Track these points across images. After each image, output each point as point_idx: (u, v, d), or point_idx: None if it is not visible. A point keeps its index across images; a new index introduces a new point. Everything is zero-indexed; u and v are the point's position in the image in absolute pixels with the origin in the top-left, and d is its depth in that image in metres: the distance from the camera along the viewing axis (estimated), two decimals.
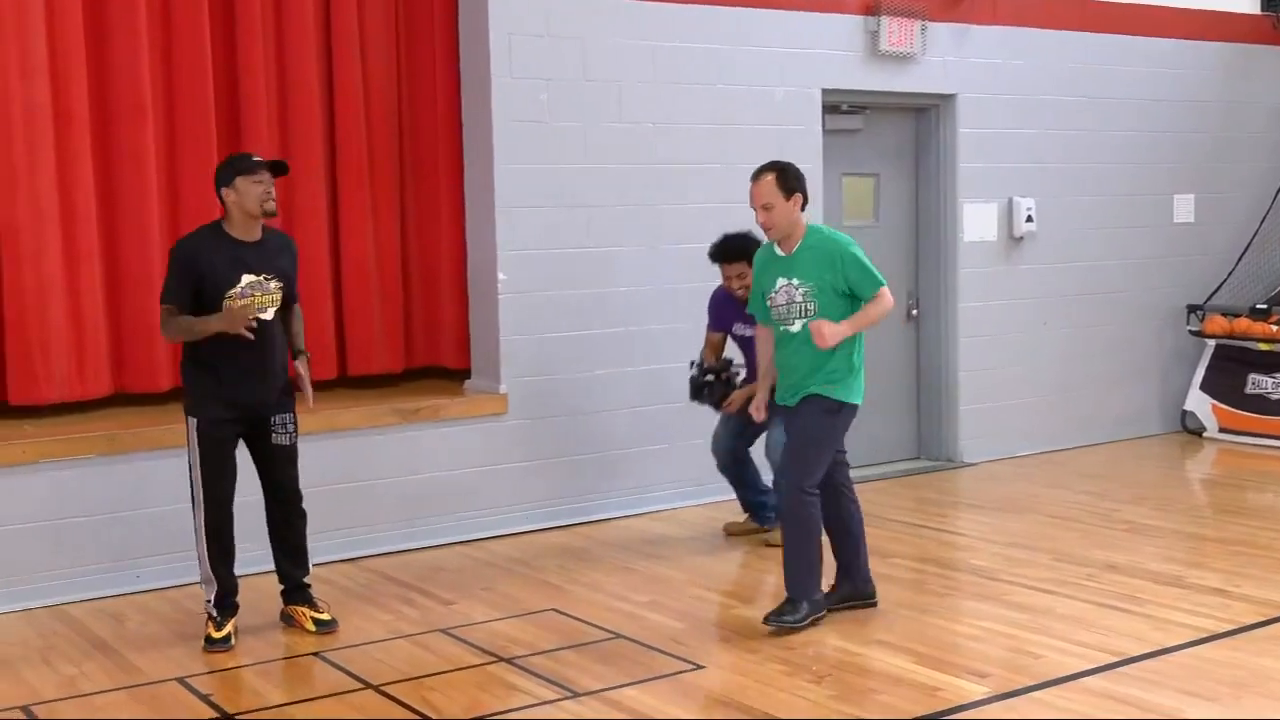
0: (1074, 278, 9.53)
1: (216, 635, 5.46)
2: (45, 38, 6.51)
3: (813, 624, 5.57)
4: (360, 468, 6.93)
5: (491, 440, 7.33)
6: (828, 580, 5.75)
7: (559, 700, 4.83)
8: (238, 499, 5.58)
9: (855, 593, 5.85)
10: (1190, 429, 10.03)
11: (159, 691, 5.02)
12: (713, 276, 6.93)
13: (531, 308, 7.39)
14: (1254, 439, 9.58)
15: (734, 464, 7.05)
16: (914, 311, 9.13)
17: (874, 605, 5.83)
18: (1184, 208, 10.08)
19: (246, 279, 5.39)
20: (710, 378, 6.82)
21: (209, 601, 5.53)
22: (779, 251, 5.66)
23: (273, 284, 5.47)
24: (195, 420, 5.47)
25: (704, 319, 7.06)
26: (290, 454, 5.67)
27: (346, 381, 7.48)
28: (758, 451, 6.97)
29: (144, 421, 6.53)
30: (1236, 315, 9.85)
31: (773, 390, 5.90)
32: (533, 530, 7.35)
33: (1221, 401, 9.85)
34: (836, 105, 8.56)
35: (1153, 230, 9.92)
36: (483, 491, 7.28)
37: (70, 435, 6.28)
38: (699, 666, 5.16)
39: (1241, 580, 6.18)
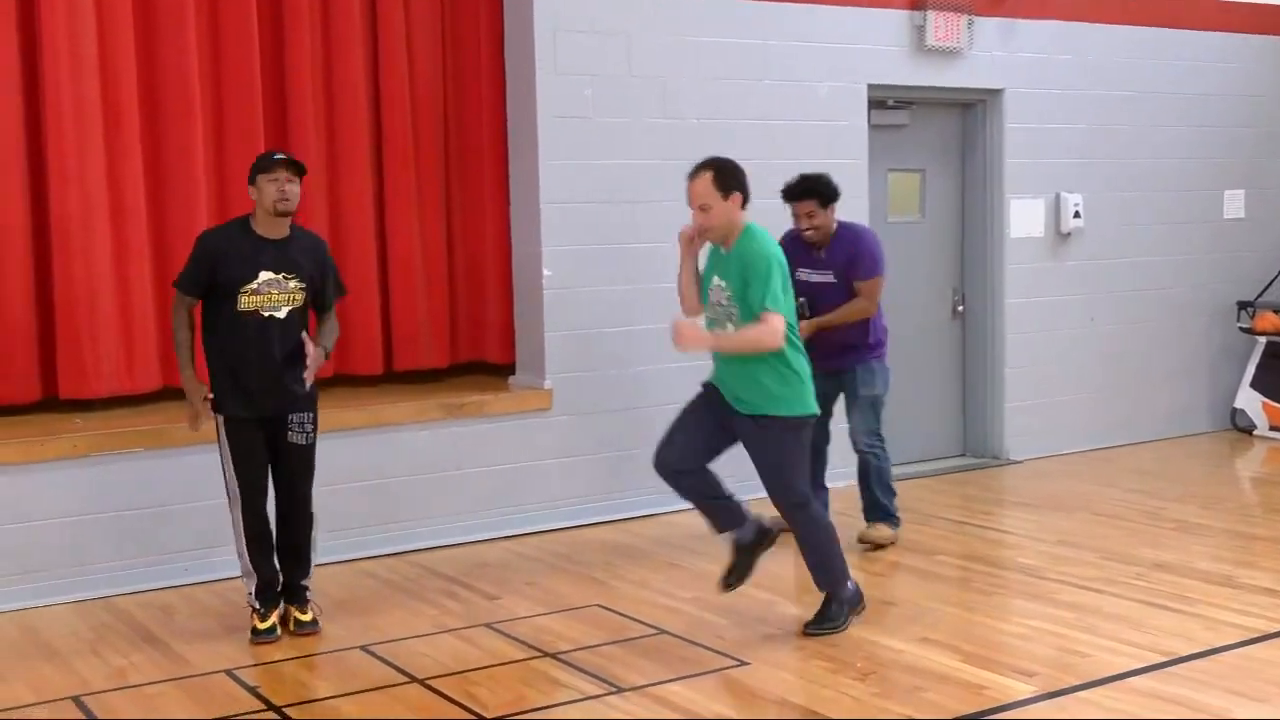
0: (1122, 274, 9.44)
1: (261, 626, 5.51)
2: (96, 36, 6.58)
3: (855, 618, 5.56)
4: (406, 462, 6.97)
5: (536, 435, 7.35)
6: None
7: (603, 695, 4.84)
8: None
9: (754, 534, 5.58)
10: (1240, 427, 9.92)
11: (207, 683, 5.06)
12: None
13: (576, 303, 7.40)
14: None
15: (819, 430, 6.79)
16: (959, 308, 9.08)
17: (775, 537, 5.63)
18: (1234, 203, 9.97)
19: (264, 276, 5.39)
20: None
21: (250, 594, 5.58)
22: (722, 250, 5.45)
23: (292, 283, 5.45)
24: (222, 417, 5.52)
25: None
26: (304, 454, 5.63)
27: (392, 376, 7.52)
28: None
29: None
30: None
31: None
32: (577, 526, 7.36)
33: (1272, 399, 9.73)
34: (882, 100, 8.52)
35: (1202, 226, 9.82)
36: (527, 486, 7.30)
37: (119, 429, 6.34)
38: (743, 663, 5.15)
39: None
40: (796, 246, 6.63)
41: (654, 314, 7.61)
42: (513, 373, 7.65)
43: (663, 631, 5.54)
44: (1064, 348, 9.23)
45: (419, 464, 7.01)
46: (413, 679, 5.04)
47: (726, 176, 5.34)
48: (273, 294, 5.41)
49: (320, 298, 5.64)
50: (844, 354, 6.71)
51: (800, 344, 5.46)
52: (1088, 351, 9.35)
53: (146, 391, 6.84)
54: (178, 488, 6.35)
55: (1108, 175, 9.30)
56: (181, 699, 4.92)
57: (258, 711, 4.78)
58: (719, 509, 5.58)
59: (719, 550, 6.76)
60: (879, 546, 6.81)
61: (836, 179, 6.72)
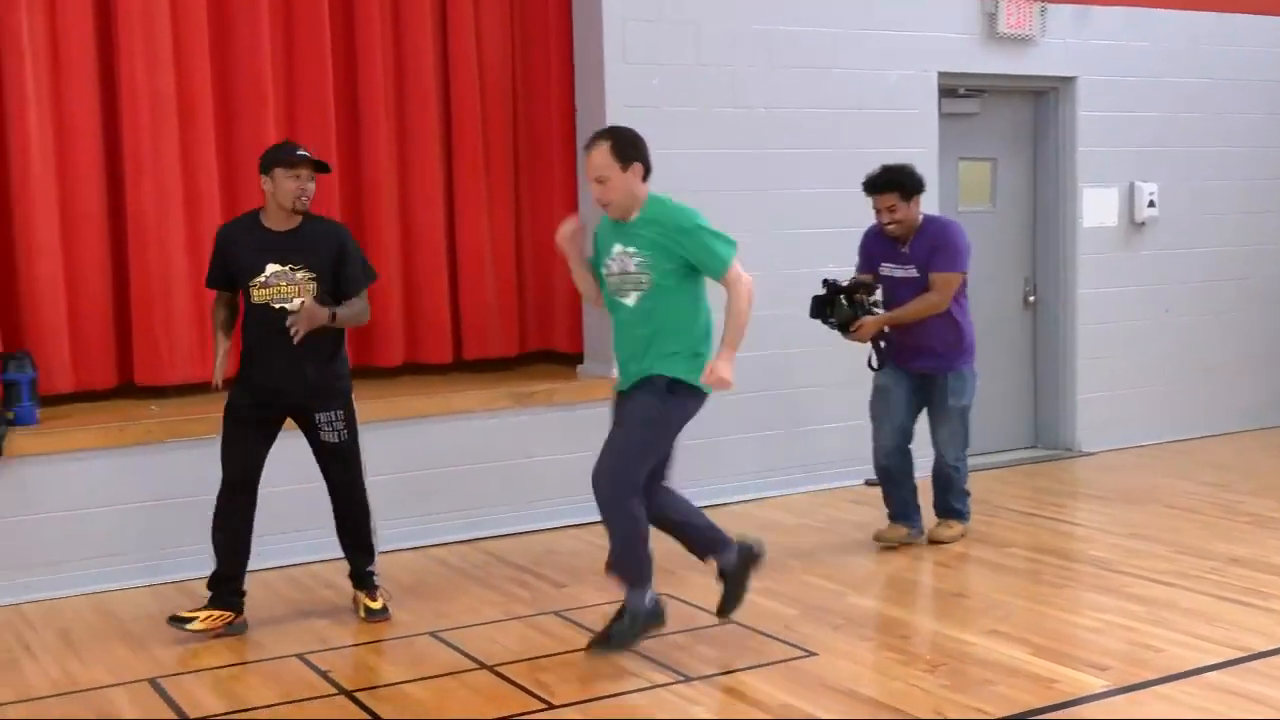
0: (1197, 264, 9.31)
1: (184, 614, 5.46)
2: (170, 29, 6.68)
3: (645, 633, 5.14)
4: (475, 450, 7.01)
5: (604, 424, 7.28)
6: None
7: (672, 684, 4.85)
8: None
9: (738, 558, 5.32)
10: None
11: (280, 667, 5.12)
12: (821, 255, 6.87)
13: None
14: None
15: (900, 457, 6.62)
16: (1031, 298, 8.99)
17: (761, 554, 5.40)
18: None
19: (271, 268, 5.36)
20: (841, 297, 6.37)
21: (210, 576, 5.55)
22: (609, 220, 5.18)
23: (300, 274, 5.38)
24: (226, 403, 5.58)
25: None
26: (342, 452, 5.57)
27: (461, 365, 7.57)
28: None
29: None
30: None
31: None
32: None
33: None
34: (953, 89, 8.45)
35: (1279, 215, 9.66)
36: None
37: (194, 416, 6.41)
38: (812, 653, 5.14)
39: None
40: (879, 241, 6.54)
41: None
42: (580, 361, 7.67)
43: (730, 621, 5.53)
44: (1138, 338, 9.11)
45: (488, 452, 7.05)
46: (482, 665, 5.08)
47: (625, 146, 5.03)
48: (281, 286, 5.36)
49: (343, 285, 5.50)
50: (934, 356, 6.49)
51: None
52: (1162, 342, 9.22)
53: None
54: None
55: (1182, 163, 9.16)
56: (254, 682, 4.99)
57: (328, 695, 4.84)
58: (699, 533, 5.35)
59: (787, 541, 6.77)
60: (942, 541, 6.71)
61: None
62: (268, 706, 4.74)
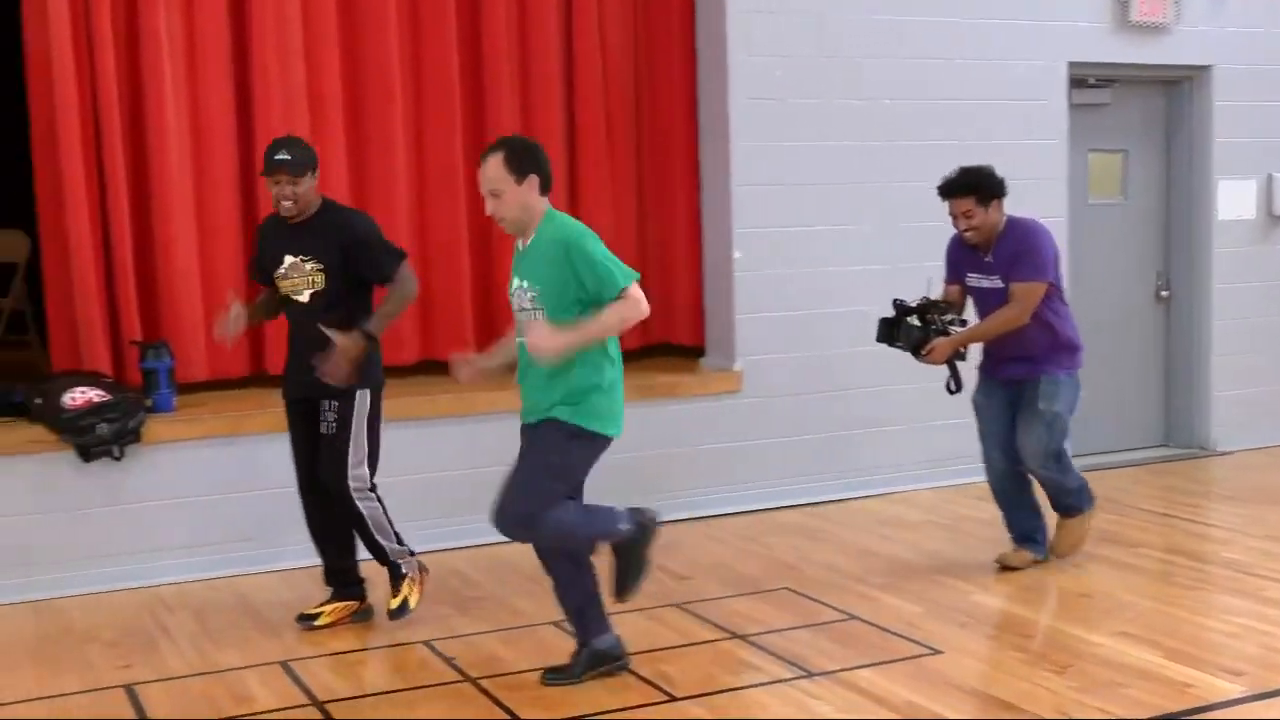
0: None
1: (310, 610, 5.54)
2: (301, 26, 6.82)
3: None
4: None
5: (725, 418, 7.35)
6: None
7: (794, 680, 4.83)
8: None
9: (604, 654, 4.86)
10: None
11: (405, 653, 5.21)
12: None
13: (766, 286, 7.38)
14: None
15: (1013, 479, 6.15)
16: (1164, 293, 8.77)
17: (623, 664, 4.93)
18: None
19: (288, 260, 5.37)
20: (910, 318, 5.92)
21: None
22: (520, 246, 4.70)
23: (309, 265, 5.32)
24: None
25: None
26: (329, 444, 5.35)
27: None
28: None
29: (400, 392, 6.76)
30: None
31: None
32: (766, 509, 7.34)
33: None
34: (1083, 79, 8.27)
35: None
36: (716, 469, 7.31)
37: None
38: (936, 651, 5.08)
39: None
40: (963, 250, 6.05)
41: (844, 297, 7.56)
42: (702, 354, 7.67)
43: (853, 617, 5.49)
44: (1275, 334, 8.84)
45: (610, 445, 7.06)
46: None
47: (520, 157, 4.57)
48: (294, 278, 5.36)
49: (367, 273, 5.36)
50: (1025, 362, 5.94)
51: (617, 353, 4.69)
52: None
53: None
54: (384, 461, 6.49)
55: None
56: (381, 667, 5.09)
57: (454, 682, 4.90)
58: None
59: (913, 538, 6.70)
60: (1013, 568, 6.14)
61: (1035, 159, 6.48)
62: (395, 692, 4.82)
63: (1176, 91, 8.68)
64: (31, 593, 5.99)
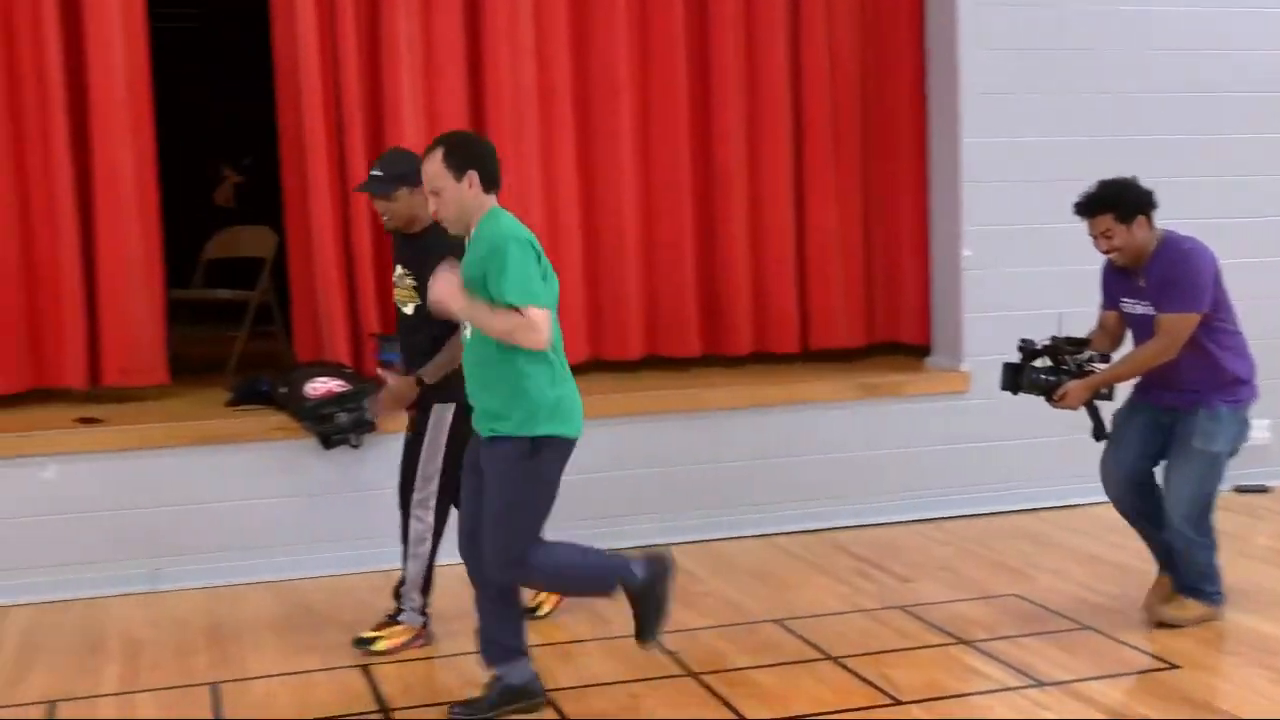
0: None
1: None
2: (533, 22, 6.96)
3: (521, 709, 4.59)
4: (819, 440, 7.01)
5: (952, 419, 7.22)
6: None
7: (1022, 688, 4.71)
8: None
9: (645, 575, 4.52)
10: None
11: (629, 644, 5.22)
12: None
13: (996, 284, 7.21)
14: None
15: (1137, 495, 5.45)
16: None
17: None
18: None
19: (398, 270, 5.33)
20: (1036, 361, 5.37)
21: None
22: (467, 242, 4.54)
23: (409, 280, 5.25)
24: None
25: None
26: (407, 446, 5.34)
27: (807, 355, 7.58)
28: None
29: (624, 387, 6.87)
30: None
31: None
32: (992, 512, 7.18)
33: None
34: None
35: None
36: (941, 470, 7.19)
37: None
38: (1174, 666, 4.89)
39: None
40: (1116, 272, 5.41)
41: (1077, 297, 7.24)
42: (928, 354, 7.55)
43: (1085, 627, 5.33)
44: None
45: (832, 442, 7.03)
46: (826, 655, 5.07)
47: (460, 154, 4.35)
48: (399, 290, 5.32)
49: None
50: (1183, 393, 5.26)
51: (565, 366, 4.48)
52: None
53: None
54: None
55: None
56: (603, 657, 5.13)
57: (676, 675, 4.94)
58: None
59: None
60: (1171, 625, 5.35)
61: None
62: (620, 683, 4.89)
63: None
64: (272, 573, 6.26)
